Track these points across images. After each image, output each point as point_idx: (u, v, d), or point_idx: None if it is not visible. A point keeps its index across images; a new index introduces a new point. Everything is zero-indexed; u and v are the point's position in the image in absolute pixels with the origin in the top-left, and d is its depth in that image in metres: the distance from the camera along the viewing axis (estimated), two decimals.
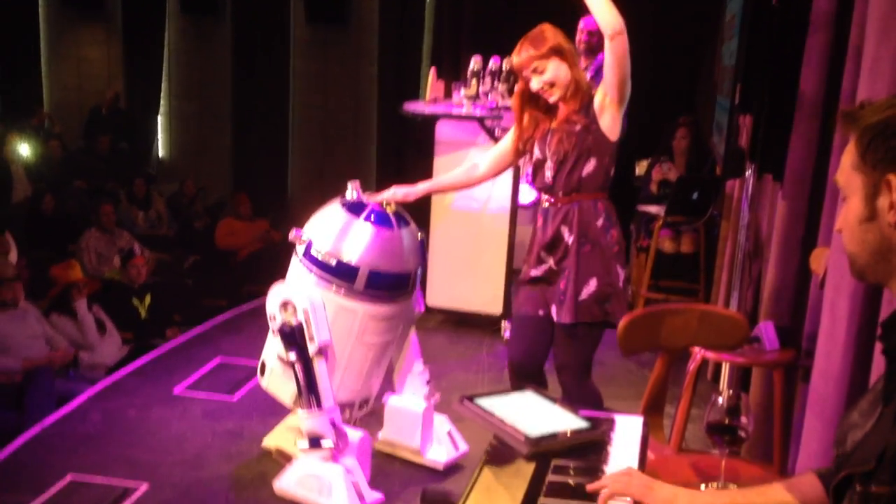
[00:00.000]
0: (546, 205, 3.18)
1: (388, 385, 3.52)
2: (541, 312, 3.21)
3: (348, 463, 3.12)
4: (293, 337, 3.00)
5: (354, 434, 3.18)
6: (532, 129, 3.18)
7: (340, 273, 3.03)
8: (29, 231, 6.77)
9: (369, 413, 3.49)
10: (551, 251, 3.16)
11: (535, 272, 3.22)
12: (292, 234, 3.13)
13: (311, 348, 3.02)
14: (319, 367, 3.06)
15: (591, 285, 3.08)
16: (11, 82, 10.17)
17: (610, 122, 3.05)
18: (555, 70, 3.03)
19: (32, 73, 10.30)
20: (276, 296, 3.03)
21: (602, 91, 3.02)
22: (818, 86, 3.22)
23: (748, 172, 3.91)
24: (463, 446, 3.47)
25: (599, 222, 3.10)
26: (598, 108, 3.05)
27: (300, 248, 3.13)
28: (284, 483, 3.20)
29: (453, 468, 3.54)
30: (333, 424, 3.06)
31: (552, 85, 3.05)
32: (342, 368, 3.21)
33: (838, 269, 2.41)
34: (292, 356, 3.00)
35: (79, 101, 10.17)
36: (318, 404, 3.05)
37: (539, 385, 2.91)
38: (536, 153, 3.17)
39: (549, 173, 3.12)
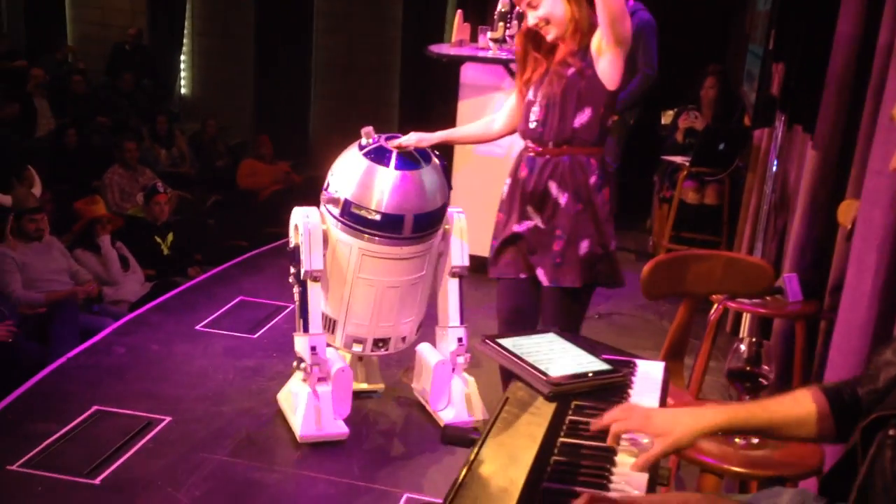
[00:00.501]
0: (532, 154, 2.91)
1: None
2: (522, 276, 3.01)
3: (321, 389, 3.28)
4: (295, 257, 3.27)
5: (336, 364, 3.30)
6: (531, 71, 2.92)
7: (382, 224, 3.14)
8: (53, 166, 6.79)
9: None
10: (539, 209, 2.91)
11: (518, 228, 2.97)
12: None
13: (302, 272, 3.22)
14: (312, 292, 3.25)
15: (583, 247, 2.89)
16: (36, 17, 10.14)
17: (607, 67, 2.75)
18: (550, 5, 2.76)
19: (57, 8, 10.25)
20: (292, 217, 3.31)
21: (598, 33, 2.73)
22: (855, 34, 3.14)
23: (778, 122, 3.85)
24: (479, 415, 3.45)
25: (592, 180, 2.85)
26: (594, 52, 2.76)
27: (334, 209, 3.22)
28: (280, 395, 3.57)
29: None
30: (314, 349, 3.23)
31: (547, 21, 2.78)
32: (346, 303, 3.33)
33: (868, 221, 2.39)
34: (292, 279, 3.29)
35: (102, 36, 10.11)
36: (305, 328, 3.25)
37: None
38: (529, 95, 2.92)
39: (535, 118, 2.87)
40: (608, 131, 2.89)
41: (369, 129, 3.24)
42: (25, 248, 4.85)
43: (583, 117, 2.80)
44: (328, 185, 3.26)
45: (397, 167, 3.14)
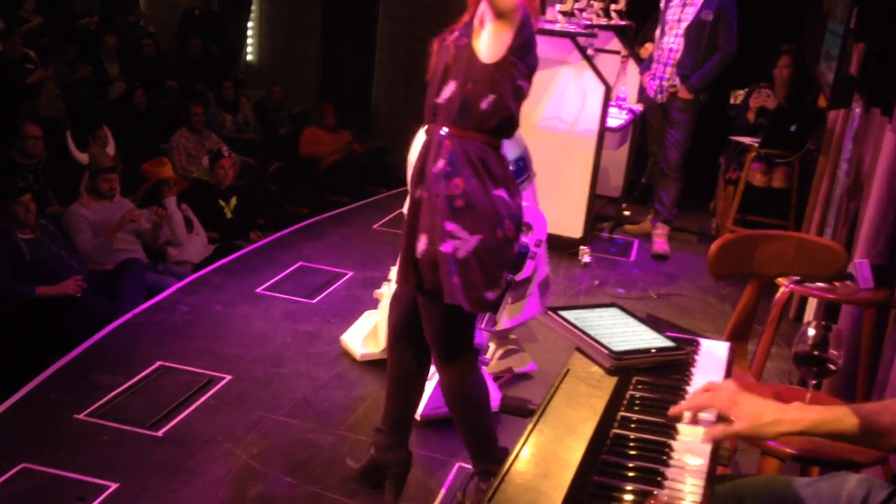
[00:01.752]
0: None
1: None
2: None
3: None
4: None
5: None
6: None
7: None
8: (122, 127, 6.92)
9: None
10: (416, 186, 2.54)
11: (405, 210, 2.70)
12: None
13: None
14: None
15: (420, 244, 2.46)
16: None
17: (485, 39, 2.38)
18: None
19: None
20: None
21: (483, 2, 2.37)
22: None
23: (855, 104, 3.73)
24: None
25: (439, 165, 2.42)
26: (476, 23, 2.41)
27: None
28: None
29: (530, 379, 3.58)
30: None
31: None
32: None
33: None
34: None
35: (173, 1, 10.25)
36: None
37: (419, 356, 2.68)
38: None
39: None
40: (481, 112, 2.41)
41: None
42: (97, 205, 4.97)
43: (446, 92, 2.45)
44: None
45: None
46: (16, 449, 2.93)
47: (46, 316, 4.21)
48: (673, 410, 1.60)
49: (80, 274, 4.41)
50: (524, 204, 2.80)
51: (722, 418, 1.55)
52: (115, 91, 7.86)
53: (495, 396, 3.23)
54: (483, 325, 3.14)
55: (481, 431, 2.69)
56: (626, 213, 6.21)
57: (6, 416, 3.15)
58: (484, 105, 2.40)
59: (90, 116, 7.03)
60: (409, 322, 2.64)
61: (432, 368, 2.76)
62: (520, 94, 2.45)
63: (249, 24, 10.37)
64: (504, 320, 3.35)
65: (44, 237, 4.45)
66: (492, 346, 3.60)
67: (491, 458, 2.65)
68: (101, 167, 4.99)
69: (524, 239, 2.96)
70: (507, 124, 2.47)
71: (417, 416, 3.12)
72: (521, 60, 2.41)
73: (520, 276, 3.19)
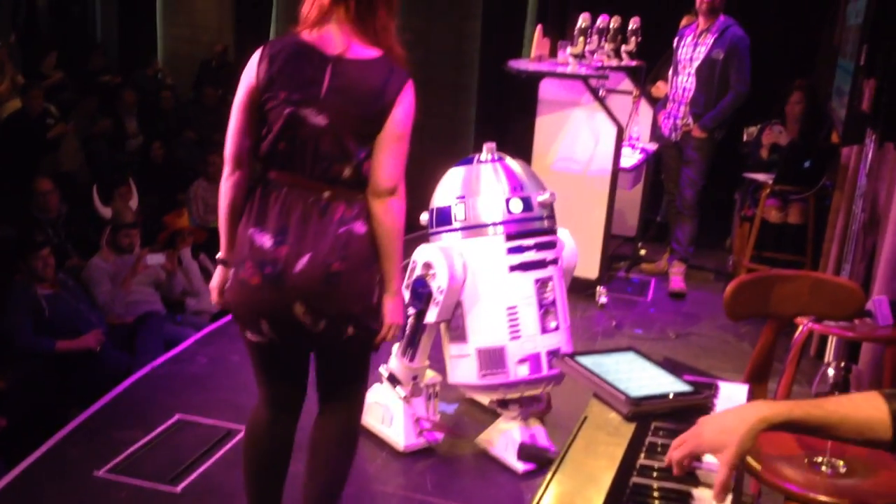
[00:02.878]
0: None
1: None
2: None
3: (415, 400, 3.39)
4: (421, 299, 3.12)
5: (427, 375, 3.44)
6: None
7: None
8: (141, 178, 7.01)
9: None
10: None
11: None
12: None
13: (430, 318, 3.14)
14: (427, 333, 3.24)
15: None
16: (130, 35, 10.50)
17: None
18: None
19: (149, 25, 10.61)
20: (425, 253, 3.15)
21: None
22: None
23: (868, 140, 3.73)
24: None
25: None
26: None
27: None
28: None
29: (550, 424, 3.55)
30: (415, 378, 3.33)
31: None
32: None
33: None
34: (411, 310, 3.15)
35: (191, 53, 10.43)
36: (412, 358, 3.27)
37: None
38: None
39: None
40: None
41: (491, 145, 3.28)
42: (117, 258, 5.03)
43: None
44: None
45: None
46: None
47: (66, 370, 4.24)
48: (666, 462, 1.55)
49: (100, 327, 4.45)
50: (436, 245, 3.01)
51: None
52: (133, 144, 7.98)
53: (513, 442, 3.22)
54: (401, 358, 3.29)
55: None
56: (642, 252, 6.20)
57: (27, 474, 3.15)
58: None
59: (110, 170, 7.12)
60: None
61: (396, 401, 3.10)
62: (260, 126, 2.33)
63: None
64: (451, 374, 3.27)
65: (63, 291, 4.49)
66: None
67: None
68: (124, 222, 5.06)
69: (430, 282, 3.06)
70: (263, 156, 2.33)
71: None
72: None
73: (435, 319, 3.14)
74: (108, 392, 3.81)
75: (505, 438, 3.27)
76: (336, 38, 2.26)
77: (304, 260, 2.26)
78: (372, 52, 2.29)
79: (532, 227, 3.14)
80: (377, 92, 2.25)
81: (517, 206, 3.12)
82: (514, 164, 3.27)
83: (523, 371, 3.09)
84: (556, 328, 3.17)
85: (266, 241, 2.28)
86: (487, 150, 3.25)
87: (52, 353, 4.23)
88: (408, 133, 2.31)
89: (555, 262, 3.22)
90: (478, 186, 3.14)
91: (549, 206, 3.25)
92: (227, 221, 2.42)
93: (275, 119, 2.26)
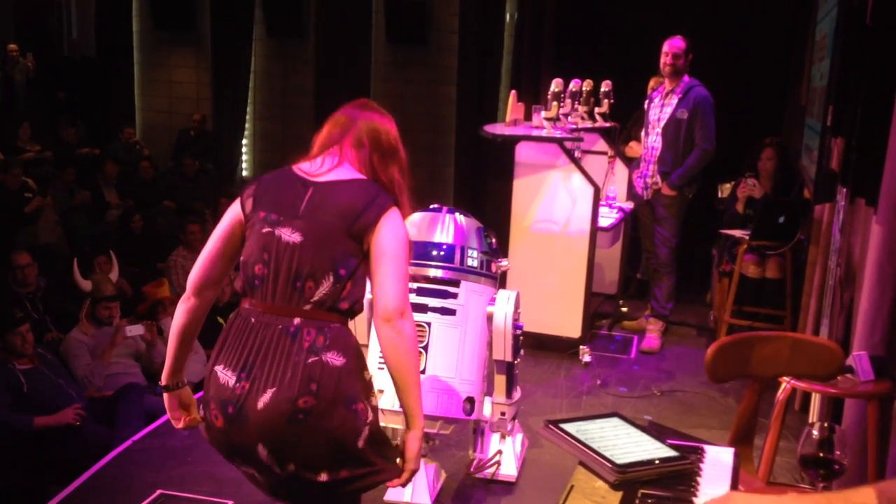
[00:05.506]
0: None
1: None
2: None
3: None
4: None
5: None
6: None
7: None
8: (119, 249, 6.99)
9: None
10: None
11: None
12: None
13: None
14: None
15: None
16: (108, 106, 10.57)
17: None
18: None
19: (125, 96, 10.68)
20: None
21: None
22: None
23: (839, 196, 3.80)
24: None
25: None
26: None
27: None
28: None
29: (533, 491, 3.52)
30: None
31: None
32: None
33: None
34: None
35: (169, 123, 10.50)
36: None
37: None
38: None
39: None
40: None
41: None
42: (97, 331, 4.99)
43: None
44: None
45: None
46: None
47: (45, 446, 4.16)
48: None
49: (79, 402, 4.39)
50: None
51: None
52: (112, 215, 7.98)
53: None
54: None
55: None
56: (624, 309, 6.23)
57: None
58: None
59: (89, 242, 7.11)
60: None
61: None
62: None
63: (244, 140, 10.60)
64: None
65: (42, 366, 4.44)
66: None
67: None
68: (103, 295, 5.04)
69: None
70: (241, 286, 2.29)
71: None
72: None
73: None
74: (88, 468, 3.74)
75: None
76: (326, 165, 2.26)
77: (267, 395, 2.08)
78: (360, 176, 2.26)
79: (417, 273, 3.21)
80: (359, 208, 2.17)
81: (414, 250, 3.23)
82: (454, 217, 3.39)
83: (380, 401, 3.02)
84: (423, 371, 3.15)
85: (230, 378, 2.14)
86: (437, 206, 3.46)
87: (30, 430, 4.16)
88: (404, 253, 2.20)
89: (446, 311, 3.24)
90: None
91: (454, 258, 3.29)
92: (175, 346, 2.34)
93: (253, 242, 2.21)
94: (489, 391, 3.50)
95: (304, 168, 2.29)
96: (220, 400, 2.15)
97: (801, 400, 4.42)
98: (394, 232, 2.19)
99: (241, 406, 2.11)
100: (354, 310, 2.22)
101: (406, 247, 2.22)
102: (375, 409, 2.21)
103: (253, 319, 2.16)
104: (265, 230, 2.18)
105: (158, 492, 3.53)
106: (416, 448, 2.17)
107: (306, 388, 2.07)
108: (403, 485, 2.23)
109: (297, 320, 2.13)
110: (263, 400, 2.08)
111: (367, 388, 2.20)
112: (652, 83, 6.25)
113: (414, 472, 2.20)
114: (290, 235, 2.16)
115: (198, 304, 2.31)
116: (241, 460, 2.21)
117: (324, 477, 2.13)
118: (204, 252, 2.29)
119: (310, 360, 2.09)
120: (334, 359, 2.12)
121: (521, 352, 3.49)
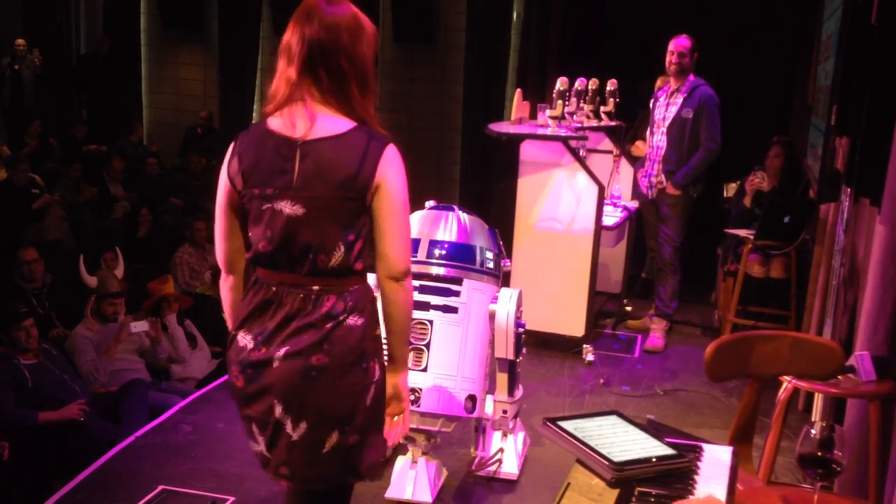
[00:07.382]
0: None
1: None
2: None
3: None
4: None
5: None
6: None
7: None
8: (126, 246, 7.01)
9: None
10: None
11: None
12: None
13: None
14: None
15: None
16: (117, 105, 10.59)
17: None
18: None
19: (134, 93, 10.72)
20: None
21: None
22: None
23: (843, 196, 3.79)
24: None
25: None
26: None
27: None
28: None
29: (533, 489, 3.52)
30: None
31: None
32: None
33: None
34: None
35: (176, 120, 10.53)
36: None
37: None
38: None
39: None
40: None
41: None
42: (101, 328, 5.01)
43: None
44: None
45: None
46: None
47: (50, 441, 4.18)
48: None
49: (83, 397, 4.40)
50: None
51: None
52: (119, 211, 8.00)
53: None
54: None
55: None
56: (628, 308, 6.22)
57: None
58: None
59: (95, 238, 7.13)
60: None
61: None
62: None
63: None
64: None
65: (46, 362, 4.46)
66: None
67: None
68: (109, 292, 5.06)
69: None
70: (250, 257, 2.29)
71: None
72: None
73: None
74: (92, 463, 3.76)
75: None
76: (302, 119, 2.13)
77: (281, 353, 2.14)
78: (344, 125, 2.14)
79: (420, 271, 3.23)
80: (354, 168, 2.10)
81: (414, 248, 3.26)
82: (457, 216, 3.41)
83: None
84: (424, 369, 3.22)
85: (248, 341, 2.19)
86: (433, 202, 3.51)
87: (34, 425, 4.18)
88: (405, 203, 2.17)
89: (448, 309, 3.25)
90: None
91: (457, 256, 3.31)
92: (233, 324, 2.34)
93: (255, 219, 2.19)
94: (491, 389, 3.51)
95: (277, 127, 2.17)
96: (240, 363, 2.21)
97: (804, 400, 4.41)
98: (395, 184, 2.15)
99: (258, 366, 2.17)
100: (367, 265, 2.23)
101: (405, 192, 2.18)
102: (383, 368, 2.26)
103: (273, 288, 2.19)
104: (265, 206, 2.16)
105: (160, 487, 3.55)
106: (408, 388, 2.32)
107: (320, 348, 2.13)
108: (402, 436, 2.34)
109: (315, 287, 2.16)
110: (279, 358, 2.14)
111: (377, 346, 2.24)
112: (658, 82, 6.25)
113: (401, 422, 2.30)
114: (291, 208, 2.13)
115: (236, 278, 2.34)
116: (258, 424, 2.23)
117: (334, 438, 2.16)
118: (217, 231, 2.30)
119: (327, 325, 2.14)
120: (353, 320, 2.16)
121: (524, 350, 3.50)
